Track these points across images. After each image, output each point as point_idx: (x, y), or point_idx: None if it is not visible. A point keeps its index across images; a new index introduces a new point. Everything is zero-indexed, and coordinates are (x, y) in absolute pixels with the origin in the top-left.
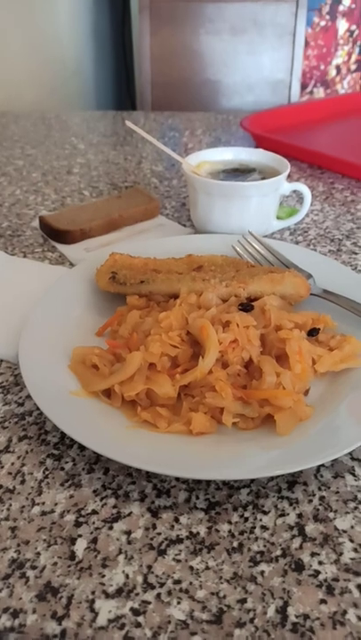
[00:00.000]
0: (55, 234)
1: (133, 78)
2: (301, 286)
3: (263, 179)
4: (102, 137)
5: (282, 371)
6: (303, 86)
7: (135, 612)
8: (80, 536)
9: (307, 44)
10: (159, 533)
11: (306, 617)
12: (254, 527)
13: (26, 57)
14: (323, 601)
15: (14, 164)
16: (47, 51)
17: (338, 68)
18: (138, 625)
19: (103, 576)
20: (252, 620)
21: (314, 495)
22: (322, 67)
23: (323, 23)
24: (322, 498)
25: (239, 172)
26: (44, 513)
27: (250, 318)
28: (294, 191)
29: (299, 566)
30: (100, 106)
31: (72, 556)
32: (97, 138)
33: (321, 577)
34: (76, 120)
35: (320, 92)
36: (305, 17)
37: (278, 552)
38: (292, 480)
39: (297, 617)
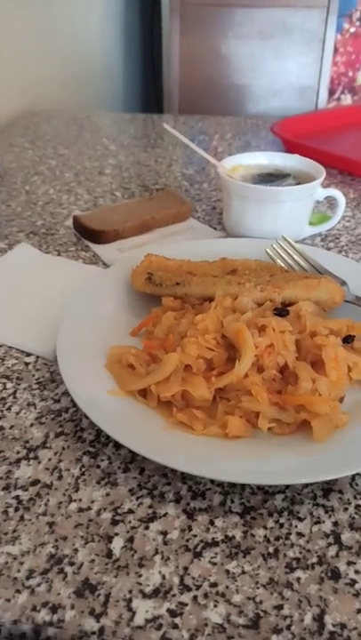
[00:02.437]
0: (89, 233)
1: (161, 80)
2: (337, 293)
3: (298, 184)
4: (133, 139)
5: (318, 377)
6: (330, 93)
7: (172, 613)
8: (117, 534)
9: (336, 50)
10: (195, 535)
11: (343, 626)
12: (290, 533)
13: (54, 55)
14: (360, 611)
15: (47, 163)
16: (75, 50)
17: None
18: (175, 626)
19: (140, 575)
20: (288, 627)
21: (350, 503)
22: (350, 73)
23: (353, 29)
24: (358, 506)
25: (274, 177)
26: (81, 510)
27: (286, 323)
28: (326, 197)
29: (335, 574)
30: (126, 107)
31: (109, 553)
32: (128, 139)
33: (358, 586)
34: (106, 121)
35: (348, 99)
36: (335, 23)
37: (314, 559)
38: (328, 487)
39: (334, 626)
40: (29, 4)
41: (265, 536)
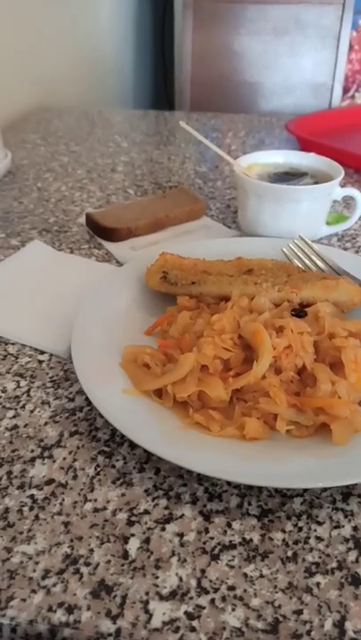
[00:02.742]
0: (102, 231)
1: (172, 77)
2: (356, 294)
3: (315, 183)
4: (145, 136)
5: (337, 379)
6: (345, 90)
7: (190, 615)
8: (133, 535)
9: (351, 47)
10: (212, 538)
11: None
12: (309, 537)
13: (65, 51)
14: None
15: (59, 160)
16: (86, 46)
17: None
18: (193, 629)
19: (157, 577)
20: (308, 633)
21: None
22: None
23: None
24: None
25: (290, 176)
26: (96, 510)
27: (304, 324)
28: (344, 197)
29: (356, 580)
30: (137, 103)
31: (125, 554)
32: (140, 137)
33: None
34: (118, 118)
35: None
36: (351, 20)
37: (334, 564)
38: (347, 492)
39: (355, 632)
40: (39, 2)
41: (283, 539)
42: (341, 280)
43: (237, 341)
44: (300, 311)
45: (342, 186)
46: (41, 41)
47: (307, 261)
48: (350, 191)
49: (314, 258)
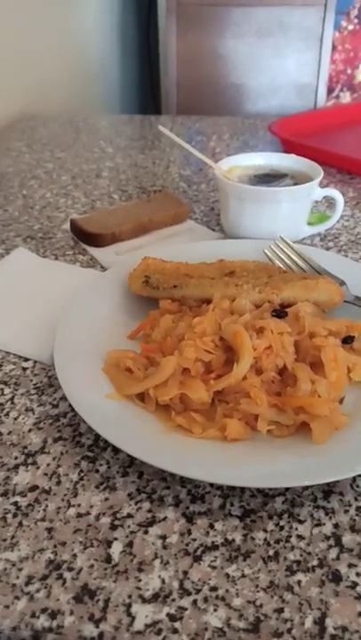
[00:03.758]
0: (86, 237)
1: (158, 81)
2: (336, 293)
3: (295, 184)
4: (130, 141)
5: (317, 378)
6: (329, 90)
7: (172, 617)
8: (116, 539)
9: (334, 47)
10: (194, 539)
11: (344, 629)
12: (290, 536)
13: (50, 58)
14: None
15: (44, 167)
16: (72, 52)
17: None
18: (175, 631)
19: (139, 580)
20: (289, 631)
21: (350, 505)
22: (349, 71)
23: (351, 27)
24: (358, 508)
25: (271, 178)
26: (79, 515)
27: (284, 325)
28: (325, 197)
29: (336, 577)
30: (123, 108)
31: (108, 558)
32: (125, 142)
33: (359, 589)
34: (103, 123)
35: (346, 97)
36: (333, 21)
37: (315, 562)
38: (328, 489)
39: (335, 629)
40: (24, 8)
41: (265, 539)
42: (321, 280)
43: (219, 343)
44: (280, 312)
45: (325, 186)
46: (26, 49)
47: (288, 262)
48: (330, 191)
49: (295, 258)
